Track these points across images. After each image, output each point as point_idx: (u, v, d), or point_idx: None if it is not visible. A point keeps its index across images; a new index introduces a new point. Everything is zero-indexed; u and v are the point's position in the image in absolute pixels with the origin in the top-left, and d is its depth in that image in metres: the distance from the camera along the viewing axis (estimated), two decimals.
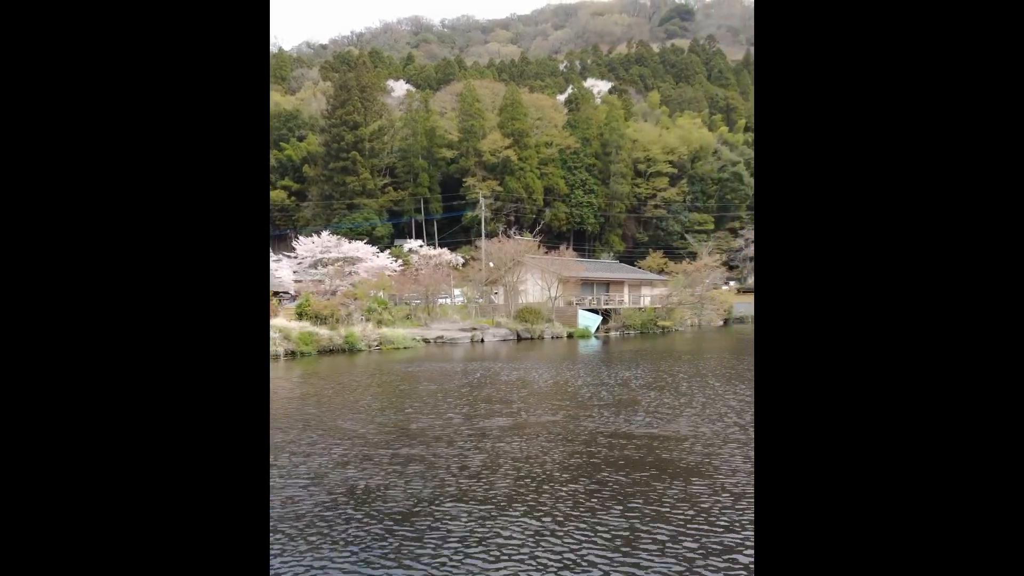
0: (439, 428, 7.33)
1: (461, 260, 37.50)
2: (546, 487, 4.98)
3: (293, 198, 55.13)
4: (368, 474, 5.42)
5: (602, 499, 4.65)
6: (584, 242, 54.57)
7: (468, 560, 3.62)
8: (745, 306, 42.45)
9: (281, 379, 12.49)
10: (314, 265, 31.39)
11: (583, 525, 4.13)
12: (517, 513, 4.39)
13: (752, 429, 7.09)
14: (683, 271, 34.22)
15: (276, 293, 24.81)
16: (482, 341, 23.29)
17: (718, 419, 7.70)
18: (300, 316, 19.92)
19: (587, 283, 33.16)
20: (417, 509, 4.50)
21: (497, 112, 57.27)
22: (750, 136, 66.92)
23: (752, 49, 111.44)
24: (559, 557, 3.63)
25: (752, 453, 5.97)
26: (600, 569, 3.47)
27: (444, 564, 3.58)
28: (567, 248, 34.97)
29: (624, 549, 3.73)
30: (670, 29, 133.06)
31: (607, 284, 35.48)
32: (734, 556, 3.61)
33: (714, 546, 3.77)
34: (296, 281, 28.68)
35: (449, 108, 60.56)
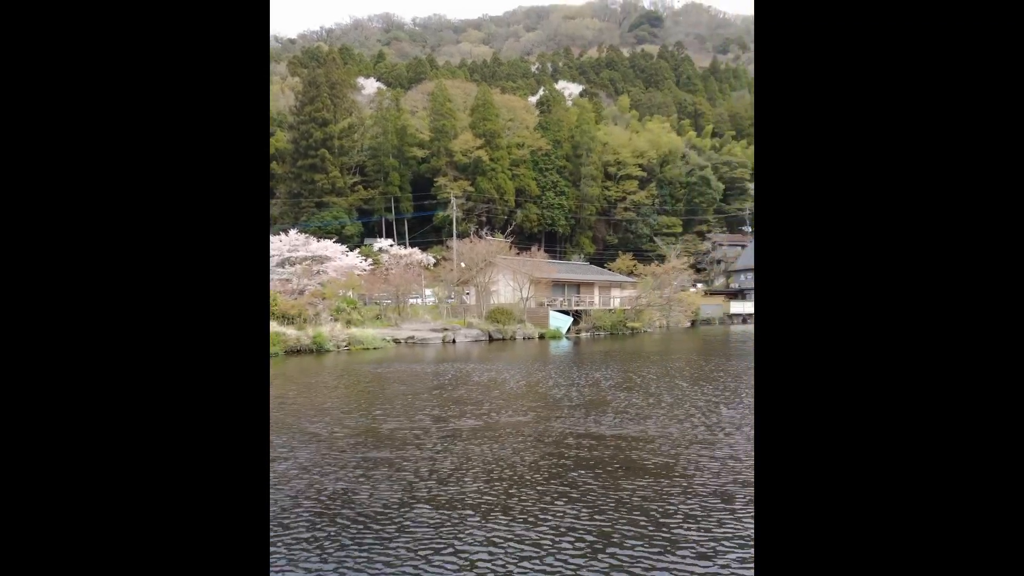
0: (408, 430, 7.24)
1: (432, 260, 37.26)
2: (514, 490, 4.95)
3: None
4: (334, 478, 5.31)
5: (571, 500, 4.66)
6: (555, 244, 54.89)
7: (434, 565, 3.57)
8: (712, 308, 43.35)
9: None
10: (281, 264, 30.73)
11: (551, 527, 4.12)
12: (487, 516, 4.35)
13: (718, 430, 7.21)
14: (652, 273, 34.76)
15: None
16: (454, 342, 23.16)
17: (685, 419, 7.81)
18: None
19: (558, 284, 33.35)
20: (385, 513, 4.42)
21: (469, 112, 57.13)
22: (717, 141, 68.38)
23: (719, 56, 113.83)
24: (527, 559, 3.61)
25: (718, 452, 6.07)
26: (569, 569, 3.46)
27: (411, 569, 3.52)
28: (539, 249, 35.13)
29: (592, 550, 3.73)
30: (640, 35, 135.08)
31: (578, 286, 35.75)
32: (704, 552, 3.65)
33: (683, 544, 3.80)
34: None
35: (420, 107, 60.11)
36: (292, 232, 33.16)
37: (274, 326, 18.33)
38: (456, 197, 44.84)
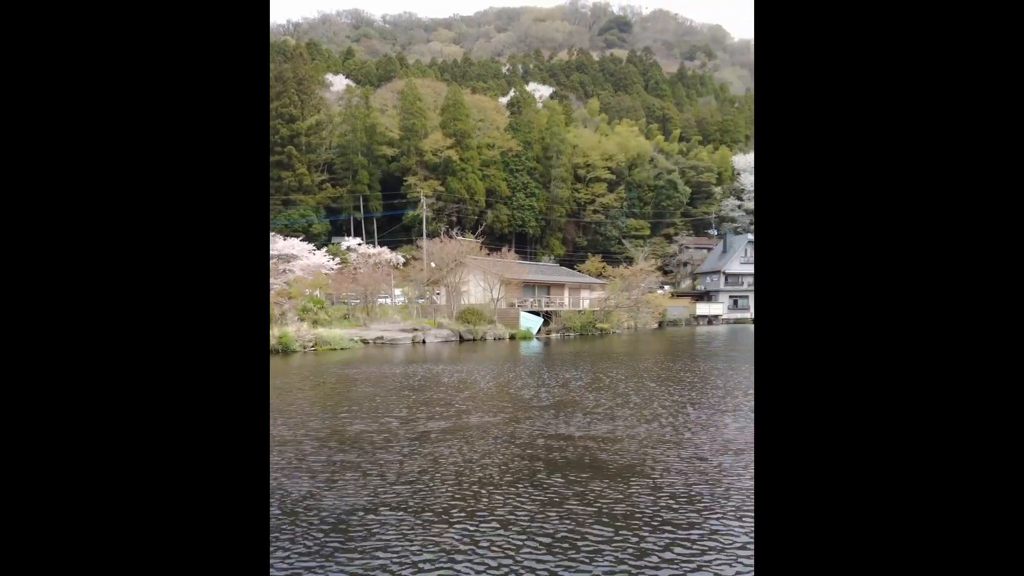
0: (375, 433, 7.14)
1: (402, 259, 36.85)
2: (484, 491, 4.93)
3: None
4: (298, 483, 5.19)
5: (541, 503, 4.66)
6: (526, 245, 55.02)
7: (404, 570, 3.52)
8: (678, 310, 44.16)
9: None
10: None
11: (521, 528, 4.11)
12: (454, 519, 4.32)
13: (685, 430, 7.33)
14: (620, 275, 35.16)
15: None
16: (424, 342, 22.97)
17: (653, 419, 7.91)
18: None
19: (529, 285, 33.43)
20: (350, 518, 4.34)
21: (439, 112, 56.76)
22: (684, 146, 69.66)
23: (686, 63, 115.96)
24: (496, 563, 3.59)
25: (683, 452, 6.17)
26: (538, 574, 3.46)
27: (379, 572, 3.46)
28: (509, 250, 35.12)
29: (562, 552, 3.73)
30: (609, 39, 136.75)
31: (548, 287, 35.91)
32: (669, 550, 3.69)
33: (651, 545, 3.84)
34: None
35: (390, 105, 59.45)
36: None
37: None
38: (426, 196, 44.50)
